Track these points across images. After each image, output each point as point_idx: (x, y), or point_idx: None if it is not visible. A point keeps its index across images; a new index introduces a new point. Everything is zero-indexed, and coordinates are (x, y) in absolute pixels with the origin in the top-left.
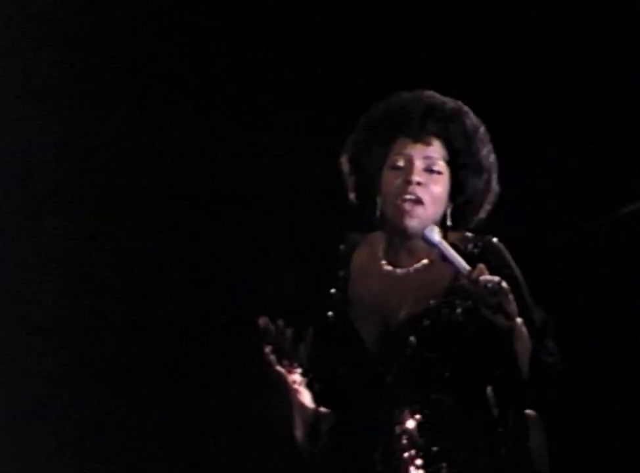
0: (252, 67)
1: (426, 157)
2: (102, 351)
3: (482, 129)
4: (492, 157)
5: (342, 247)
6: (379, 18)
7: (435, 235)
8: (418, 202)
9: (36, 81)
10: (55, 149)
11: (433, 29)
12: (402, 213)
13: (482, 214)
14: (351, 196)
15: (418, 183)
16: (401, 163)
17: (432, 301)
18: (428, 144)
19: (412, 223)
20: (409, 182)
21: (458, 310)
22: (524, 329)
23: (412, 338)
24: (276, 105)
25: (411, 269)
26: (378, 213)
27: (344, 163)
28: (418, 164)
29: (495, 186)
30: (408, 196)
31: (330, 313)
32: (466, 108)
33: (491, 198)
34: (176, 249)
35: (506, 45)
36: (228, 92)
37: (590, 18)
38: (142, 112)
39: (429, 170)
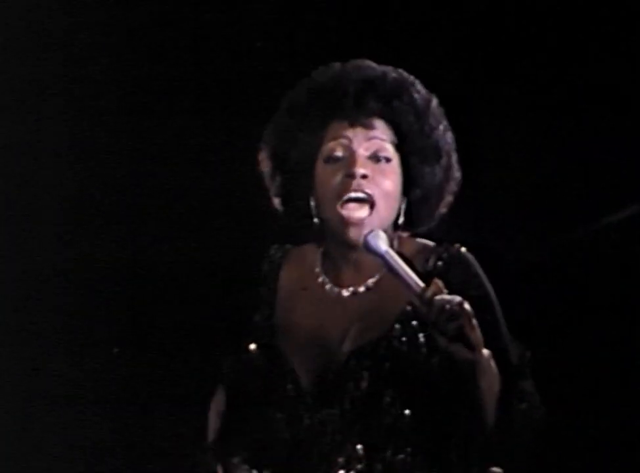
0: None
1: (370, 139)
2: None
3: (434, 102)
4: (449, 136)
5: (265, 263)
6: None
7: (381, 242)
8: (367, 201)
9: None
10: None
11: None
12: (346, 220)
13: (443, 208)
14: (276, 201)
15: (364, 176)
16: (338, 152)
17: (384, 328)
18: (370, 127)
19: (360, 233)
20: (351, 175)
21: (420, 339)
22: (492, 364)
23: (360, 375)
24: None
25: (360, 288)
26: (316, 220)
27: (264, 160)
28: (362, 152)
29: (456, 172)
30: (353, 194)
31: (252, 346)
32: (411, 78)
33: (453, 187)
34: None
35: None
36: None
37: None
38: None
39: (375, 157)
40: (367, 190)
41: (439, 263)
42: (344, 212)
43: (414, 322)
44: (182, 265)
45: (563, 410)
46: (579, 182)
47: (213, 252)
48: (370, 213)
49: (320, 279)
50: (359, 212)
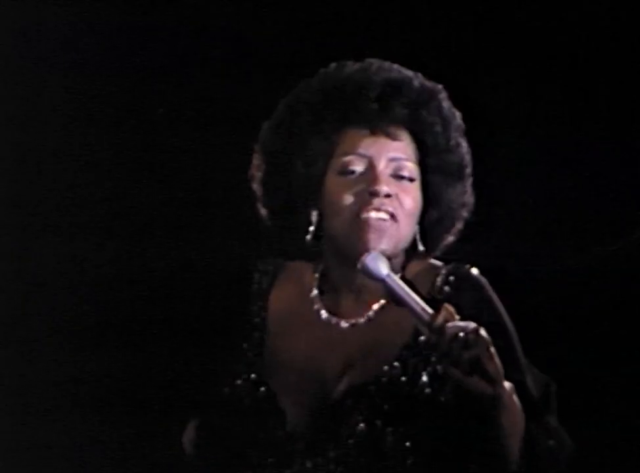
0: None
1: (393, 159)
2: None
3: (458, 117)
4: (469, 156)
5: (255, 280)
6: None
7: (382, 265)
8: (390, 220)
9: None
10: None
11: None
12: (367, 235)
13: (453, 235)
14: (264, 212)
15: (387, 195)
16: (357, 166)
17: (385, 366)
18: (395, 137)
19: (382, 244)
20: (374, 193)
21: (424, 378)
22: (515, 398)
23: (358, 418)
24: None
25: (361, 319)
26: (309, 237)
27: (258, 164)
28: (383, 167)
29: (469, 196)
30: (374, 214)
31: (238, 381)
32: (439, 86)
33: (464, 213)
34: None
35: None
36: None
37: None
38: None
39: (398, 176)
40: (390, 209)
41: (447, 286)
42: (364, 221)
43: (416, 359)
44: (156, 282)
45: (595, 447)
46: (598, 199)
47: (191, 265)
48: (392, 224)
49: (316, 306)
50: (382, 220)
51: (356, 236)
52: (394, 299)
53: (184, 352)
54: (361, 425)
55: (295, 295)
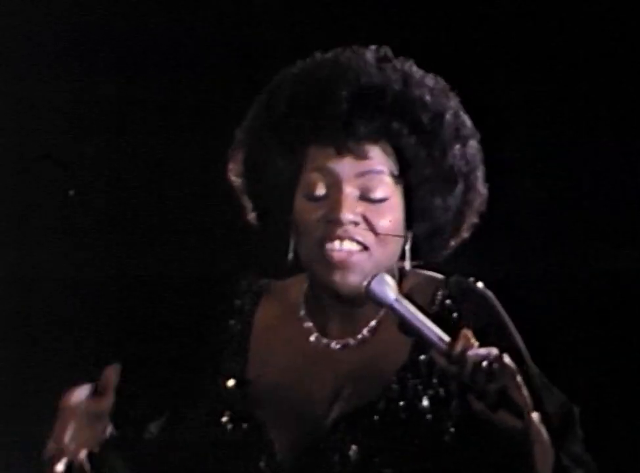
0: None
1: (362, 174)
2: None
3: (449, 114)
4: (472, 147)
5: (237, 301)
6: None
7: (388, 289)
8: (359, 249)
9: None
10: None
11: None
12: (331, 266)
13: (465, 232)
14: (252, 216)
15: (354, 223)
16: (320, 190)
17: (378, 390)
18: (362, 156)
19: (350, 279)
20: (335, 222)
21: (424, 402)
22: (544, 430)
23: (351, 448)
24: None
25: (352, 341)
26: (291, 255)
27: (236, 168)
28: (350, 191)
29: (481, 189)
30: (337, 245)
31: (220, 410)
32: (417, 80)
33: (477, 207)
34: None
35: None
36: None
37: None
38: None
39: (367, 198)
40: (357, 237)
41: (449, 300)
42: (327, 252)
43: (415, 381)
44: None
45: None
46: (609, 206)
47: (167, 278)
48: (361, 255)
49: (305, 325)
50: (347, 252)
51: (322, 271)
52: (403, 325)
53: (161, 376)
54: (355, 456)
55: (281, 315)
